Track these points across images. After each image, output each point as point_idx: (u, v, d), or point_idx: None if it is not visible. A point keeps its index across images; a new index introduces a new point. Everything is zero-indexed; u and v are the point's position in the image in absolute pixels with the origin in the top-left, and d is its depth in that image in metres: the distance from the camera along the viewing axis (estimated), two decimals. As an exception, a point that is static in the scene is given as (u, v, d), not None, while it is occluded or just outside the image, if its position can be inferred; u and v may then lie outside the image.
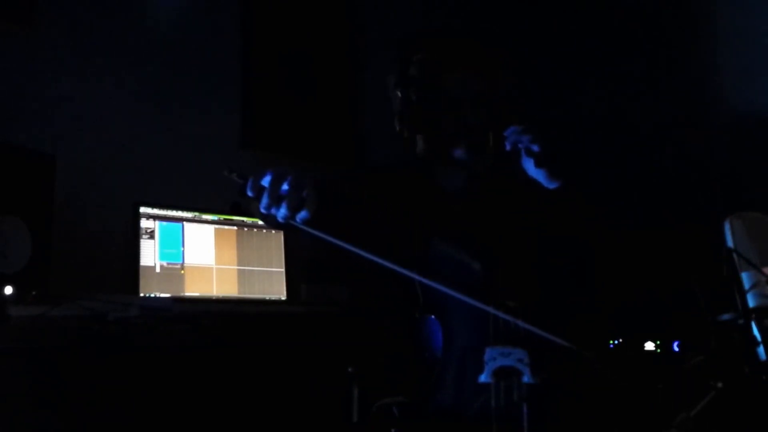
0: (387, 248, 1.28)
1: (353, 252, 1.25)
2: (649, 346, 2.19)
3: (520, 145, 1.41)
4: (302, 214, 1.25)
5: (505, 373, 1.30)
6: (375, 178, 1.71)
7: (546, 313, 1.40)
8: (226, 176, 1.26)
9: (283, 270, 2.64)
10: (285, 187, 1.23)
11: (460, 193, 1.65)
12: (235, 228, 2.56)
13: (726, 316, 1.76)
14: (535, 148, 1.39)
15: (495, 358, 1.30)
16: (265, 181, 1.24)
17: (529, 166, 1.44)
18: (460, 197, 1.64)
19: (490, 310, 1.34)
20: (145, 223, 2.34)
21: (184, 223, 2.44)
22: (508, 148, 1.42)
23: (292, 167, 1.26)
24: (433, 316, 1.53)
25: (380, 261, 1.25)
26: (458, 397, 1.45)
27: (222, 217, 2.53)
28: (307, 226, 1.26)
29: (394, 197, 1.61)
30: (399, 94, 1.64)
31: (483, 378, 1.30)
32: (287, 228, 1.29)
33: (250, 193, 1.24)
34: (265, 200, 1.23)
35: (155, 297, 2.28)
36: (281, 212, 1.23)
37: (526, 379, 1.27)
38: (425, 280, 1.34)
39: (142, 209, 2.35)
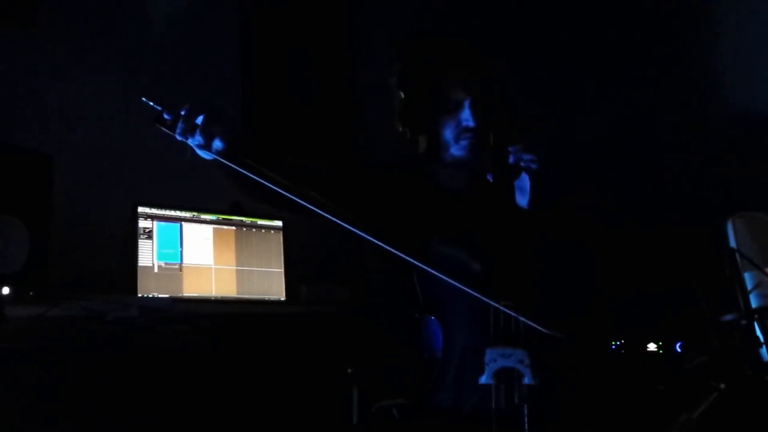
0: (385, 242, 1.29)
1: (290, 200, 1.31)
2: (652, 346, 2.18)
3: (521, 163, 1.48)
4: (216, 144, 1.32)
5: (506, 374, 1.29)
6: (375, 171, 1.72)
7: (545, 313, 1.39)
8: (144, 103, 1.36)
9: (282, 270, 2.63)
10: (200, 118, 1.32)
11: (460, 193, 1.66)
12: (234, 228, 2.55)
13: (728, 317, 1.75)
14: (534, 166, 1.48)
15: (495, 359, 1.30)
16: (183, 111, 1.33)
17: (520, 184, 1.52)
18: (460, 197, 1.65)
19: (492, 303, 1.34)
20: (143, 223, 2.33)
21: (183, 223, 2.43)
22: (511, 161, 1.49)
23: (210, 103, 1.35)
24: (433, 317, 1.52)
25: (359, 233, 1.29)
26: (458, 398, 1.44)
27: (221, 216, 2.52)
28: (221, 157, 1.33)
29: (393, 194, 1.62)
30: (400, 94, 1.65)
31: (483, 379, 1.30)
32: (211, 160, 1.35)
33: (166, 116, 1.33)
34: (180, 126, 1.32)
35: (154, 297, 2.26)
36: (196, 139, 1.32)
37: (526, 380, 1.27)
38: (424, 266, 1.35)
39: (140, 209, 2.34)
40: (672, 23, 3.14)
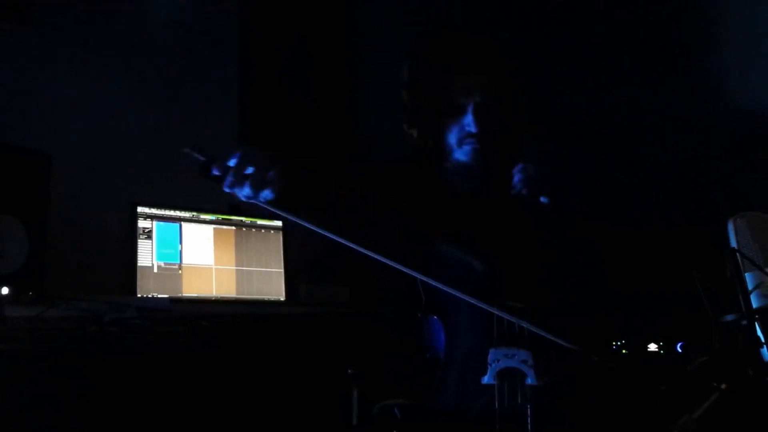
0: (391, 244, 1.28)
1: (340, 242, 1.30)
2: (653, 347, 2.18)
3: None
4: (265, 194, 1.29)
5: (509, 374, 1.29)
6: (382, 172, 1.70)
7: (549, 314, 1.39)
8: (187, 153, 1.29)
9: (282, 270, 2.62)
10: (250, 168, 1.27)
11: (466, 193, 1.65)
12: (234, 228, 2.54)
13: (730, 317, 1.74)
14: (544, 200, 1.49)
15: (499, 359, 1.30)
16: (232, 162, 1.27)
17: None
18: (466, 197, 1.64)
19: (494, 310, 1.34)
20: (142, 223, 2.32)
21: (182, 222, 2.42)
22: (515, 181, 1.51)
23: (259, 150, 1.31)
24: (435, 317, 1.51)
25: (378, 257, 1.27)
26: (461, 398, 1.44)
27: (220, 216, 2.52)
28: (270, 206, 1.31)
29: (400, 193, 1.61)
30: (408, 94, 1.64)
31: (486, 379, 1.29)
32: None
33: (215, 172, 1.28)
34: (229, 179, 1.27)
35: (153, 298, 2.26)
36: (244, 192, 1.28)
37: (529, 380, 1.27)
38: (429, 280, 1.33)
39: (140, 209, 2.33)
40: (673, 22, 3.13)
